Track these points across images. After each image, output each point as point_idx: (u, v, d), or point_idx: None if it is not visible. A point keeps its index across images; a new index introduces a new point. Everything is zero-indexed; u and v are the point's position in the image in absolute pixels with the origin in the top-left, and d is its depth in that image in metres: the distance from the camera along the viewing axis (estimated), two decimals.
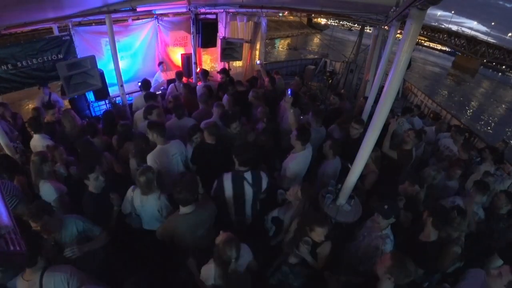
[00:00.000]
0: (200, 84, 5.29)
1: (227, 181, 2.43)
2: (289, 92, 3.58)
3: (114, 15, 4.39)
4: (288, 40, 36.07)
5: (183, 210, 2.11)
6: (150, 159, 2.77)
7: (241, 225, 2.67)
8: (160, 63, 6.51)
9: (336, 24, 57.93)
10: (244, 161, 2.40)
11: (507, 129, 18.10)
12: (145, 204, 2.45)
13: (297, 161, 2.91)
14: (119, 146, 3.35)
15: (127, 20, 6.08)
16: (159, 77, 6.37)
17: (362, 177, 3.14)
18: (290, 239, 2.26)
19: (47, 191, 2.57)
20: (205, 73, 5.36)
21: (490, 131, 17.06)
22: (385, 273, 1.76)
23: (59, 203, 2.57)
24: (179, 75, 5.51)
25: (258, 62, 7.22)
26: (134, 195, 2.45)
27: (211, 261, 1.86)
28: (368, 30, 8.20)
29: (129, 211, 2.53)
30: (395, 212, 2.25)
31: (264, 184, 2.55)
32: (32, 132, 3.30)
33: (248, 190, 2.48)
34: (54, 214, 2.06)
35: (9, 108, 4.32)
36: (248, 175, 2.44)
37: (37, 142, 3.26)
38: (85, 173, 2.33)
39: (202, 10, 6.06)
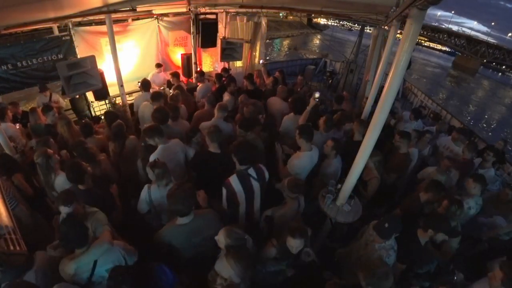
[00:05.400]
0: (200, 85, 5.29)
1: (235, 182, 2.40)
2: (317, 94, 3.49)
3: (114, 15, 4.40)
4: (288, 40, 36.08)
5: (180, 220, 2.05)
6: (153, 158, 2.70)
7: (249, 222, 2.66)
8: (159, 65, 6.36)
9: (336, 24, 57.97)
10: (244, 159, 2.39)
11: (506, 130, 18.10)
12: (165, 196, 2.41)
13: (302, 160, 2.92)
14: (121, 147, 3.31)
15: (127, 20, 6.09)
16: (157, 77, 6.27)
17: (363, 183, 3.11)
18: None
19: (64, 181, 2.49)
20: (201, 74, 5.46)
21: (490, 132, 17.07)
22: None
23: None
24: (175, 75, 5.49)
25: (261, 61, 7.21)
26: (151, 192, 2.39)
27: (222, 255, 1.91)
28: (368, 30, 8.20)
29: (146, 211, 2.50)
30: (396, 230, 2.20)
31: (267, 177, 2.57)
32: None
33: (256, 185, 2.49)
34: (80, 202, 2.10)
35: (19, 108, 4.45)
36: (251, 171, 2.45)
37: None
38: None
39: (202, 10, 6.07)
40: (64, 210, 1.99)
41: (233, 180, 2.41)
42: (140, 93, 4.63)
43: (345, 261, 2.67)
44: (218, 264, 1.93)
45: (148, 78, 5.95)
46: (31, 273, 1.75)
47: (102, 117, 5.04)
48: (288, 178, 2.50)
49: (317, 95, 3.46)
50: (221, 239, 1.86)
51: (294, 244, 1.99)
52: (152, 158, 2.69)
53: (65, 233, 1.78)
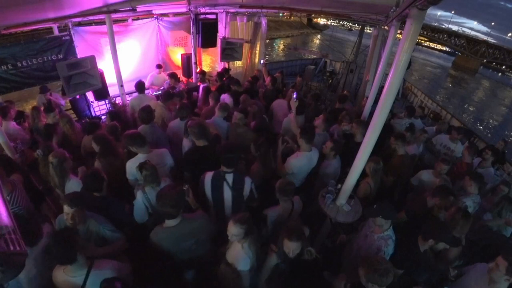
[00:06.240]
0: (201, 85, 5.29)
1: (208, 179, 2.38)
2: (295, 95, 3.53)
3: (114, 15, 4.40)
4: (288, 40, 36.07)
5: (168, 223, 2.01)
6: (129, 167, 2.60)
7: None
8: (159, 66, 6.30)
9: (336, 24, 58.00)
10: (226, 160, 2.35)
11: (506, 130, 18.10)
12: None
13: (299, 159, 2.92)
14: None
15: (127, 20, 6.08)
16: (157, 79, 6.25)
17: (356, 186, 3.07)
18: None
19: (76, 186, 2.49)
20: (202, 74, 5.52)
21: (490, 132, 17.06)
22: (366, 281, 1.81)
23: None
24: (172, 76, 5.48)
25: (262, 61, 7.22)
26: (148, 195, 2.35)
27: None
28: (368, 30, 8.21)
29: (146, 219, 2.42)
30: (384, 212, 2.19)
31: (247, 191, 2.45)
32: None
33: (227, 193, 2.40)
34: (83, 206, 2.08)
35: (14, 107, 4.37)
36: (229, 177, 2.36)
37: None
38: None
39: (202, 10, 6.07)
40: (66, 209, 1.99)
41: (207, 176, 2.39)
42: (137, 94, 4.59)
43: (345, 252, 2.68)
44: (229, 254, 1.96)
45: (148, 79, 5.99)
46: (43, 240, 1.88)
47: (103, 117, 5.05)
48: (279, 181, 2.46)
49: (294, 96, 3.52)
50: (234, 231, 1.82)
51: (291, 246, 1.88)
52: (128, 166, 2.60)
53: (50, 247, 1.66)
